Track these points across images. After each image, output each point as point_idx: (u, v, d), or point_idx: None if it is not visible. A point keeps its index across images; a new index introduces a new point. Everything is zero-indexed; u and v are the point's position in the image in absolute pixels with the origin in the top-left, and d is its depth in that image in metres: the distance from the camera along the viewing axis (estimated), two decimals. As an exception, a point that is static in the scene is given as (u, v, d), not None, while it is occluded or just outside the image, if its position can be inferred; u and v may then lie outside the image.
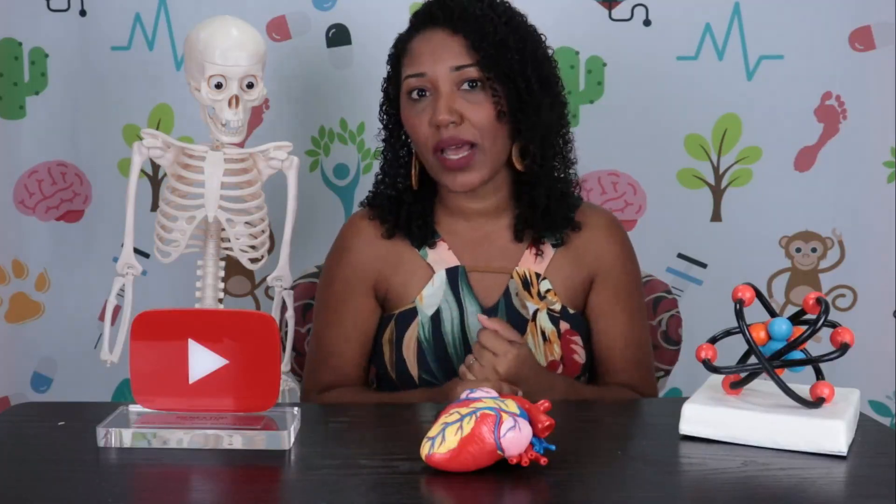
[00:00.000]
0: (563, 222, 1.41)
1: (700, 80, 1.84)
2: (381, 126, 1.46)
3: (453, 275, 1.40)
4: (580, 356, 1.39)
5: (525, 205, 1.41)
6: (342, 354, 1.41)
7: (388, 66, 1.45)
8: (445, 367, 1.37)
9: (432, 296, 1.39)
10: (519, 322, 1.38)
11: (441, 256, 1.42)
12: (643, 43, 1.84)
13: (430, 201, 1.45)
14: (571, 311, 1.41)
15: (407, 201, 1.42)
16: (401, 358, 1.38)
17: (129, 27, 1.84)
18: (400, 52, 1.41)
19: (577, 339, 1.40)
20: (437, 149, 1.34)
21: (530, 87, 1.34)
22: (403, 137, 1.44)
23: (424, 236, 1.42)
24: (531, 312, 1.38)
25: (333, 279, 1.45)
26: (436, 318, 1.38)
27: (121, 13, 1.84)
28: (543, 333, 1.37)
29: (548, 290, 1.40)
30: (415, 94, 1.36)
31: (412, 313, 1.39)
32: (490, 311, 1.39)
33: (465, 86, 1.33)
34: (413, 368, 1.37)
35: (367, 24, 1.84)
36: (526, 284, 1.40)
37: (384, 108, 1.45)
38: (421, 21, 1.38)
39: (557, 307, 1.40)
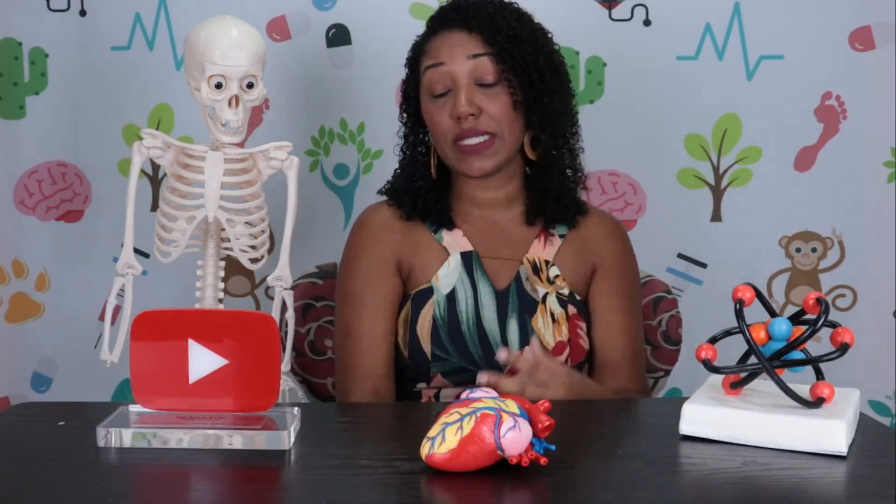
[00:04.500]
0: (573, 209, 1.47)
1: (700, 80, 1.84)
2: (401, 124, 1.52)
3: (468, 258, 1.44)
4: (585, 342, 1.43)
5: (537, 192, 1.47)
6: (371, 337, 1.42)
7: (406, 70, 1.50)
8: (458, 343, 1.40)
9: (448, 276, 1.43)
10: (529, 304, 1.42)
11: (456, 241, 1.46)
12: (643, 43, 1.84)
13: (445, 192, 1.50)
14: (578, 298, 1.45)
15: (424, 187, 1.48)
16: (414, 336, 1.40)
17: (129, 27, 1.84)
18: (418, 53, 1.48)
19: (583, 324, 1.44)
20: (457, 139, 1.41)
21: (543, 78, 1.42)
22: (422, 136, 1.50)
23: (441, 221, 1.47)
24: (541, 296, 1.43)
25: (356, 266, 1.47)
26: (451, 297, 1.41)
27: (121, 13, 1.84)
28: (552, 315, 1.41)
29: (556, 276, 1.45)
30: (436, 91, 1.42)
31: (428, 292, 1.42)
32: (502, 294, 1.43)
33: (482, 83, 1.40)
34: (426, 345, 1.40)
35: (367, 24, 1.85)
36: (536, 270, 1.44)
37: (403, 108, 1.52)
38: (437, 24, 1.46)
39: (566, 291, 1.44)
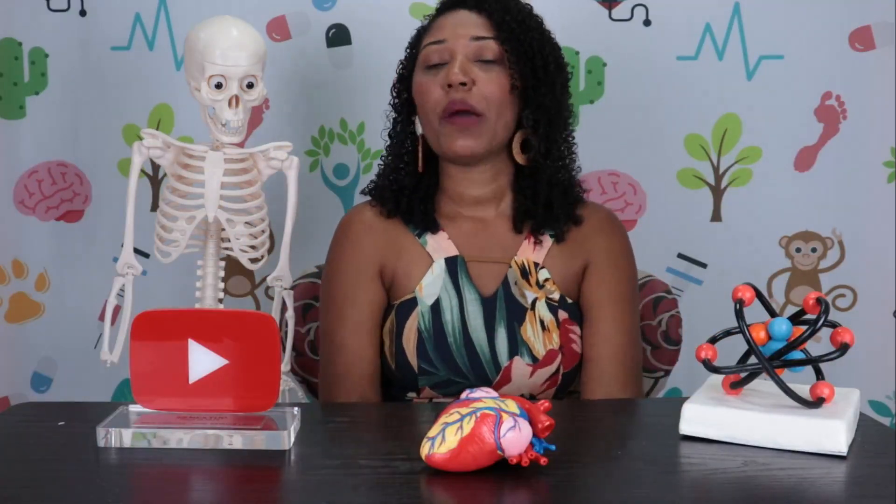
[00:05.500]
0: (564, 216, 1.43)
1: (700, 80, 1.84)
2: (391, 107, 1.49)
3: (452, 264, 1.40)
4: (578, 346, 1.39)
5: (526, 196, 1.42)
6: (354, 347, 1.38)
7: (407, 50, 1.48)
8: (444, 355, 1.36)
9: (431, 285, 1.39)
10: (518, 311, 1.38)
11: (440, 245, 1.42)
12: (643, 43, 1.84)
13: (432, 192, 1.46)
14: (569, 301, 1.41)
15: (409, 186, 1.44)
16: (400, 348, 1.37)
17: (129, 27, 1.84)
18: (422, 31, 1.45)
19: (576, 328, 1.39)
20: (444, 113, 1.36)
21: (546, 66, 1.39)
22: (411, 127, 1.47)
23: (426, 224, 1.42)
24: (530, 302, 1.38)
25: (338, 271, 1.43)
26: (436, 307, 1.37)
27: (121, 13, 1.84)
28: (542, 322, 1.37)
29: (546, 280, 1.40)
30: (431, 62, 1.39)
31: (412, 303, 1.38)
32: (489, 301, 1.38)
33: (481, 59, 1.38)
34: (412, 358, 1.36)
35: (367, 24, 1.85)
36: (524, 273, 1.40)
37: (396, 89, 1.48)
38: (447, 5, 1.44)
39: (556, 296, 1.39)
